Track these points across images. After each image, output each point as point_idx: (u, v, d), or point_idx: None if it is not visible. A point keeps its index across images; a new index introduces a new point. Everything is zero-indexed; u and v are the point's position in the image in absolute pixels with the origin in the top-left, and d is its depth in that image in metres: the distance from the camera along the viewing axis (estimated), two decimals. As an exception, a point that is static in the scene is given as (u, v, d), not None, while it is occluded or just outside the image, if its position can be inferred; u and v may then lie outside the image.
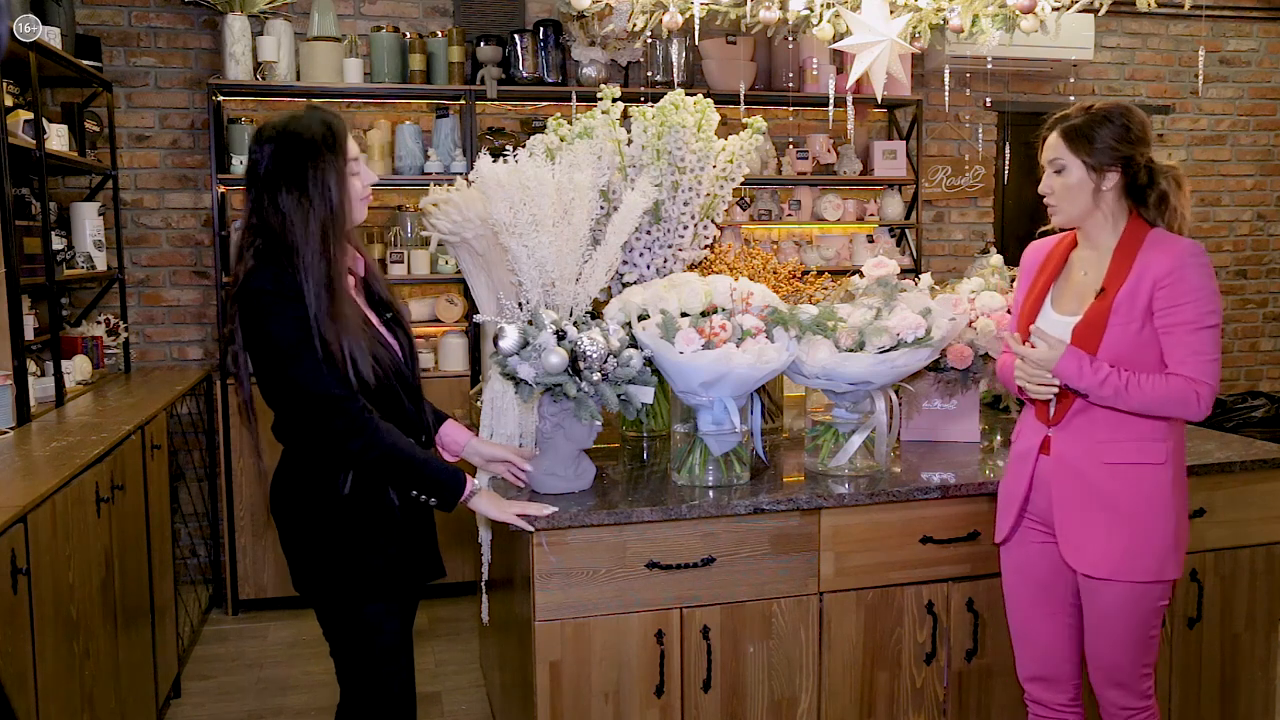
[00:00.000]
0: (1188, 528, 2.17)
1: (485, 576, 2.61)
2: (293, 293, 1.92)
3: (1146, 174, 2.12)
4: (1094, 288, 2.13)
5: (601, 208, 2.68)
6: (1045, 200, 2.18)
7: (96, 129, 4.16)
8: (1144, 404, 2.04)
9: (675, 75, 4.62)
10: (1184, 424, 2.17)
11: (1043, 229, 2.30)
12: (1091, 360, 2.06)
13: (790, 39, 3.43)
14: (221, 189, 4.31)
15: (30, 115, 3.26)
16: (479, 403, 2.57)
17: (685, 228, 2.80)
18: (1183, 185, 2.13)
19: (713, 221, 2.89)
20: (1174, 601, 2.56)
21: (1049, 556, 2.22)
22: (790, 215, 4.99)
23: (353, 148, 2.03)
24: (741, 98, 4.47)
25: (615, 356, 2.18)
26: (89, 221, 3.90)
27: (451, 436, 2.28)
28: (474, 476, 2.16)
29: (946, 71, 4.71)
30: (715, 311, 2.33)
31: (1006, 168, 5.48)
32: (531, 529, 2.13)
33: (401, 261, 4.47)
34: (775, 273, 2.84)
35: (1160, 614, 2.16)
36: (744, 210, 4.90)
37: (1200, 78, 5.69)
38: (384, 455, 1.97)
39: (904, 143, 5.07)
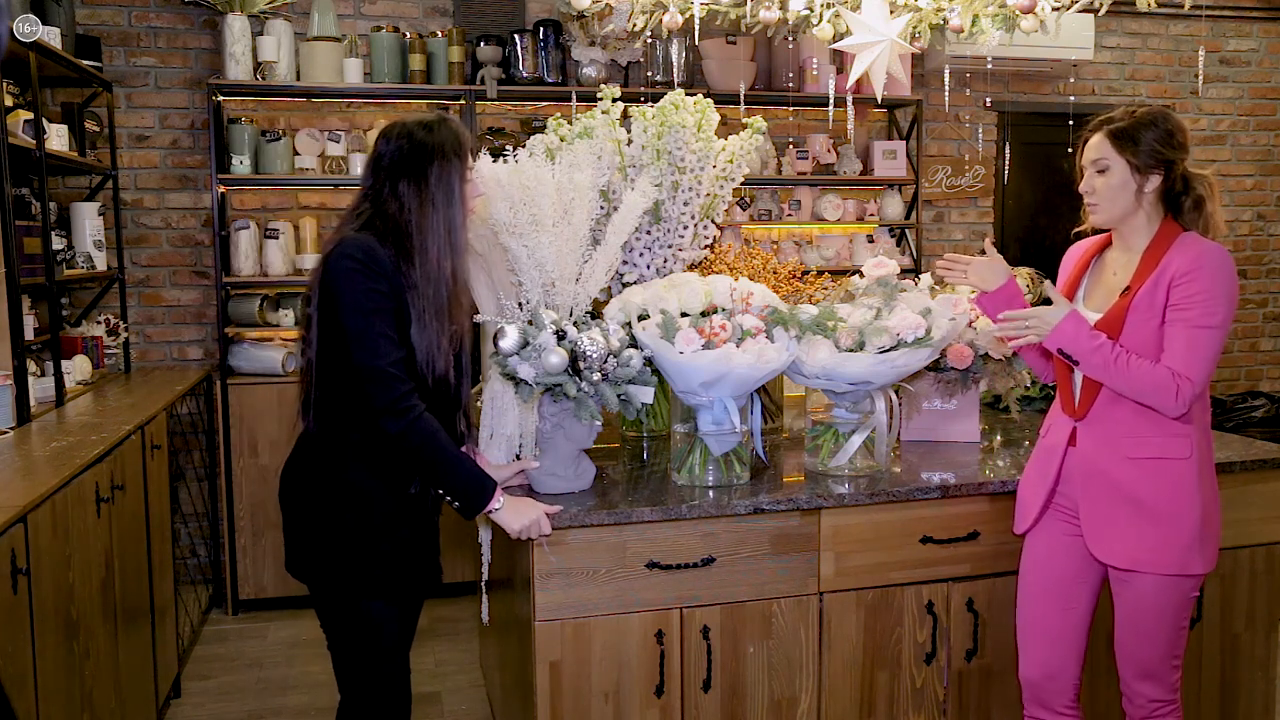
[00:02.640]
0: (1218, 521, 2.17)
1: (485, 576, 2.61)
2: (377, 268, 1.96)
3: (1183, 181, 2.15)
4: (1121, 287, 2.16)
5: (601, 208, 2.68)
6: (1086, 200, 2.20)
7: (96, 129, 4.16)
8: (1127, 384, 2.06)
9: (675, 75, 4.62)
10: (1208, 418, 2.18)
11: (1078, 229, 2.32)
12: (1091, 329, 2.10)
13: (790, 39, 3.43)
14: (221, 189, 4.31)
15: (30, 115, 3.26)
16: (479, 403, 2.57)
17: (685, 228, 2.80)
18: (1215, 193, 2.16)
19: (713, 221, 2.89)
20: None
21: (1076, 548, 2.24)
22: (790, 215, 4.99)
23: (469, 159, 2.12)
24: (741, 98, 4.47)
25: (615, 356, 2.18)
26: (89, 221, 3.90)
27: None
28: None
29: (946, 71, 4.71)
30: (715, 311, 2.33)
31: (1006, 168, 5.48)
32: (545, 545, 2.16)
33: (401, 261, 4.46)
34: (775, 273, 2.84)
35: (1189, 605, 2.18)
36: (744, 210, 4.90)
37: (1200, 78, 5.68)
38: (420, 446, 1.98)
39: (904, 143, 5.07)
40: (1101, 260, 2.27)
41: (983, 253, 2.29)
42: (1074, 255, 2.35)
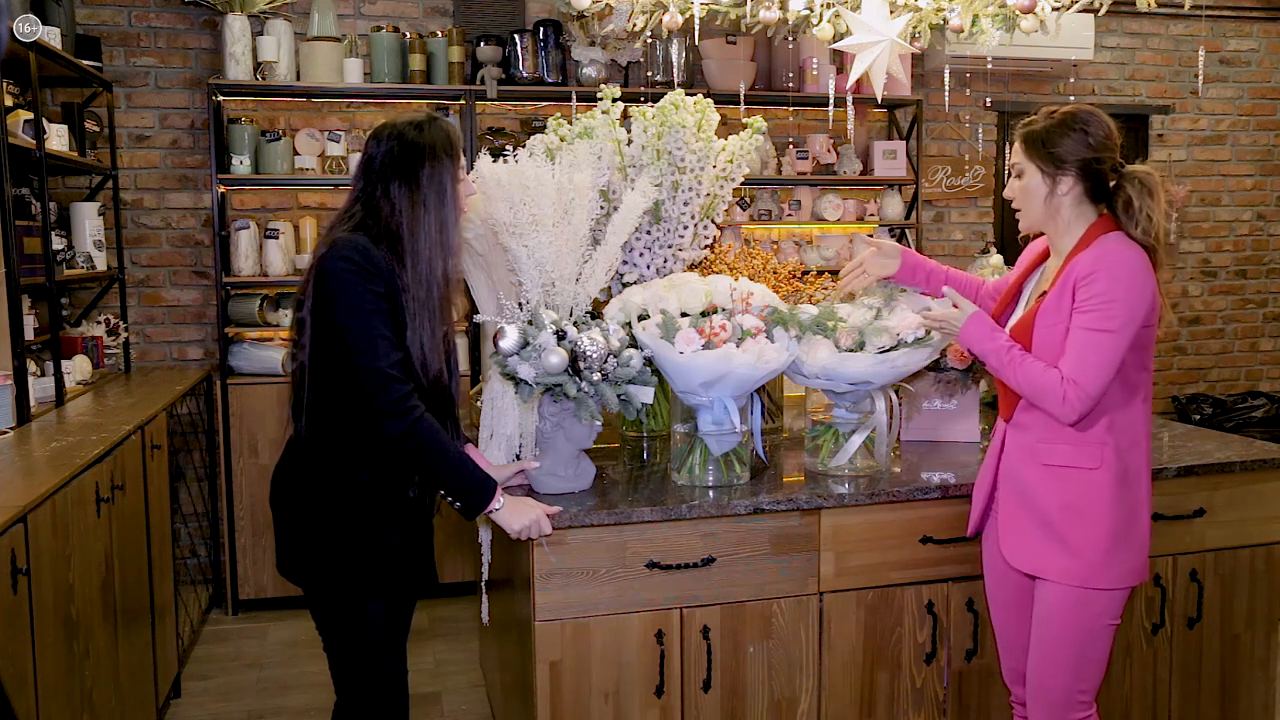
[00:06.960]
0: (1140, 538, 2.07)
1: (485, 576, 2.61)
2: (373, 270, 1.96)
3: (1116, 177, 2.05)
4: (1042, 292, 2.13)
5: (601, 208, 2.68)
6: (1012, 205, 2.17)
7: (96, 129, 4.16)
8: (1018, 383, 2.04)
9: (675, 75, 4.62)
10: (1144, 427, 2.08)
11: (1021, 235, 2.27)
12: (994, 328, 2.10)
13: (790, 39, 3.43)
14: (221, 189, 4.31)
15: (30, 115, 3.26)
16: (479, 403, 2.57)
17: (685, 228, 2.80)
18: (1153, 191, 2.02)
19: (713, 221, 2.89)
20: (1173, 602, 2.56)
21: None
22: (790, 215, 4.99)
23: (461, 157, 2.12)
24: (741, 98, 4.47)
25: (615, 356, 2.18)
26: (89, 221, 3.90)
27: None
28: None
29: (946, 71, 4.70)
30: (715, 311, 2.33)
31: (1006, 168, 5.47)
32: (545, 545, 2.16)
33: (401, 261, 4.47)
34: (775, 273, 2.84)
35: (1104, 633, 2.07)
36: (744, 210, 4.90)
37: (1200, 78, 5.68)
38: (421, 447, 1.98)
39: (904, 143, 5.07)
40: (1045, 265, 2.22)
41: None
42: (1029, 252, 2.29)
